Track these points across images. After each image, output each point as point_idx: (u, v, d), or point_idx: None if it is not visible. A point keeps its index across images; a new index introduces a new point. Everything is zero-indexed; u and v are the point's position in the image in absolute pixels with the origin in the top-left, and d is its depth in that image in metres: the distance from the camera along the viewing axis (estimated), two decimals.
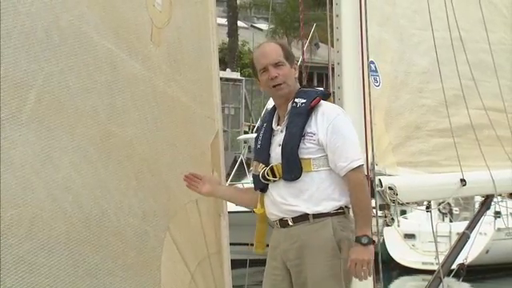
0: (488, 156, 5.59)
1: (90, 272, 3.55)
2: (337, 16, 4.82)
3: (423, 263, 16.43)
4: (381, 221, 5.01)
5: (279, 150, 3.90)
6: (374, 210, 4.89)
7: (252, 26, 46.08)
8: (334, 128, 3.85)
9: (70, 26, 3.48)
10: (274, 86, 3.94)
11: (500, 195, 5.99)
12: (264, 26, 45.20)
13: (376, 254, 4.10)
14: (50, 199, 3.43)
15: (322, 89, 4.12)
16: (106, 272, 3.61)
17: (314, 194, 3.85)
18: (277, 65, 3.93)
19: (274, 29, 40.45)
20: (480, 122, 5.72)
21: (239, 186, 14.43)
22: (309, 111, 3.87)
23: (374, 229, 4.61)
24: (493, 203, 6.07)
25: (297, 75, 4.02)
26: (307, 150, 3.84)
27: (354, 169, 3.84)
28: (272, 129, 3.98)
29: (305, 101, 3.90)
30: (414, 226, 17.03)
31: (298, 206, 3.86)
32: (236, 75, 33.53)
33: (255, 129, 25.24)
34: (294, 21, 39.50)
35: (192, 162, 4.07)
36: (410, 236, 17.57)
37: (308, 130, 3.85)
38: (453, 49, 5.45)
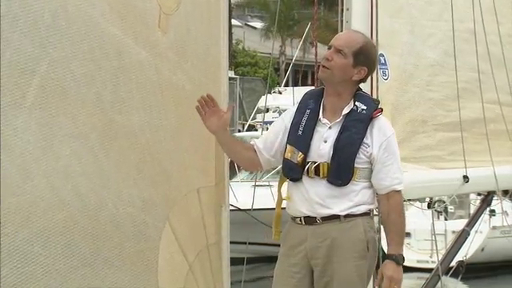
0: (492, 150, 5.57)
1: (85, 261, 3.51)
2: (347, 10, 4.80)
3: (418, 261, 16.49)
4: (376, 219, 4.99)
5: (326, 147, 3.81)
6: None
7: (246, 24, 46.13)
8: (388, 146, 3.83)
9: (78, 10, 3.44)
10: (322, 66, 3.88)
11: (494, 192, 5.96)
12: (258, 24, 45.27)
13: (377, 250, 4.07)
14: (49, 187, 3.40)
15: (374, 97, 4.07)
16: (102, 262, 3.57)
17: (353, 199, 3.82)
18: (338, 51, 3.84)
19: (268, 27, 40.54)
20: (486, 115, 5.70)
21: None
22: (369, 120, 3.81)
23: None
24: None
25: (356, 79, 3.87)
26: (358, 159, 3.80)
27: (396, 190, 3.85)
28: (318, 119, 3.87)
29: (365, 108, 3.83)
30: (409, 224, 17.00)
31: (333, 209, 3.81)
32: (230, 74, 33.55)
33: (247, 126, 25.27)
34: (288, 19, 39.57)
35: (195, 151, 4.01)
36: (405, 234, 17.56)
37: (364, 140, 3.80)
38: (475, 40, 5.42)
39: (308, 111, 3.89)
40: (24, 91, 3.29)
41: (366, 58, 3.86)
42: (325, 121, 3.86)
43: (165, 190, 3.87)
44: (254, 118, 25.36)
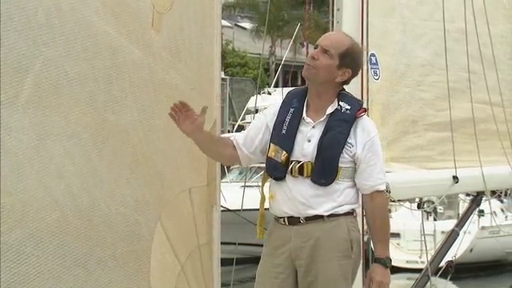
0: (482, 151, 5.58)
1: (78, 262, 3.52)
2: (338, 10, 4.79)
3: (407, 262, 16.55)
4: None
5: (310, 147, 3.80)
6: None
7: (236, 25, 46.08)
8: (372, 146, 3.83)
9: (72, 9, 3.44)
10: (307, 64, 3.86)
11: (483, 193, 5.98)
12: (247, 25, 45.24)
13: (366, 251, 4.08)
14: (42, 187, 3.40)
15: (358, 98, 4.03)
16: (94, 262, 3.58)
17: (337, 199, 3.82)
18: (325, 51, 3.82)
19: (257, 28, 40.53)
20: (477, 115, 5.71)
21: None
22: (353, 120, 3.81)
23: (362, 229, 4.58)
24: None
25: (340, 80, 3.85)
26: (342, 159, 3.79)
27: (379, 191, 3.85)
28: (302, 118, 3.85)
29: (349, 107, 3.82)
30: (398, 224, 17.14)
31: (317, 210, 3.80)
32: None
33: (236, 127, 25.26)
34: (277, 20, 39.54)
35: (188, 150, 3.99)
36: (394, 235, 17.69)
37: (348, 140, 3.80)
38: (466, 40, 5.43)
39: (292, 110, 3.87)
40: (18, 90, 3.29)
41: (351, 60, 3.85)
42: (308, 120, 3.85)
43: (157, 189, 3.86)
44: (244, 119, 25.33)
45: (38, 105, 3.36)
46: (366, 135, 3.82)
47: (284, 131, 3.84)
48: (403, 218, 16.56)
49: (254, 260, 4.00)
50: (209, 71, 4.11)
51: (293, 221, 3.83)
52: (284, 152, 3.81)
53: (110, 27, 3.58)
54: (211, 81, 4.13)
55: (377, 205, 3.85)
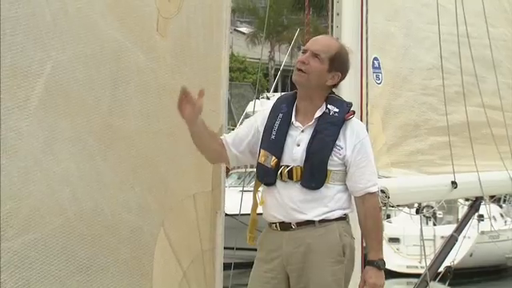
0: (483, 155, 5.57)
1: (81, 267, 3.51)
2: (337, 15, 4.78)
3: (408, 267, 16.55)
4: None
5: (299, 151, 3.80)
6: None
7: (235, 29, 46.13)
8: (362, 148, 3.83)
9: (78, 13, 3.44)
10: (298, 69, 3.87)
11: (482, 198, 5.99)
12: (247, 30, 45.26)
13: (365, 255, 4.10)
14: (49, 192, 3.39)
15: (346, 100, 4.01)
16: (97, 267, 3.58)
17: (328, 204, 3.82)
18: (314, 55, 3.84)
19: (255, 33, 40.53)
20: (478, 119, 5.69)
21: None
22: (342, 123, 3.81)
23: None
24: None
25: (330, 84, 3.87)
26: (332, 162, 3.80)
27: (371, 193, 3.85)
28: (291, 122, 3.86)
29: (338, 110, 3.84)
30: (398, 229, 17.15)
31: (307, 215, 3.80)
32: None
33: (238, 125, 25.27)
34: (276, 25, 39.55)
35: (193, 156, 3.98)
36: (394, 240, 17.69)
37: (337, 142, 3.80)
38: (470, 44, 5.42)
39: (281, 115, 3.88)
40: (28, 94, 3.29)
41: (340, 63, 3.88)
42: (297, 124, 3.86)
43: (161, 195, 3.86)
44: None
45: (48, 109, 3.36)
46: (355, 137, 3.82)
47: (273, 136, 3.85)
48: (403, 223, 16.56)
49: (252, 265, 4.00)
50: (216, 76, 4.12)
51: (284, 226, 3.83)
52: (273, 157, 3.82)
53: (116, 31, 3.59)
54: (218, 86, 4.13)
55: (368, 207, 3.84)
